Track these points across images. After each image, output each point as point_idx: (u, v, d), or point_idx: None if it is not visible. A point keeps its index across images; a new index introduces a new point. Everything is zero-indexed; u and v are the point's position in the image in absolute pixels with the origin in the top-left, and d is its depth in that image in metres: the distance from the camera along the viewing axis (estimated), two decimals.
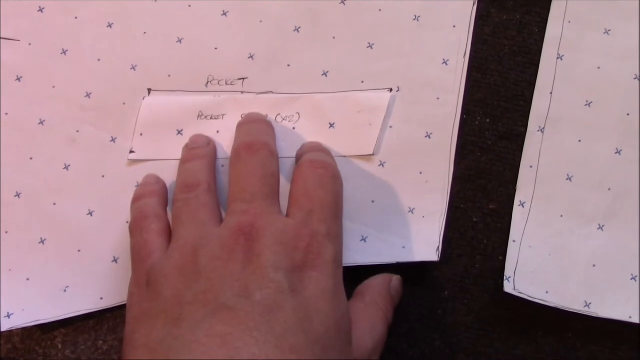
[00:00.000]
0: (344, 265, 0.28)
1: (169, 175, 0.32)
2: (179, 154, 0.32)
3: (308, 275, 0.26)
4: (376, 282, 0.30)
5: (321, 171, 0.29)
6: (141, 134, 0.33)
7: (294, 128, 0.33)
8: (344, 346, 0.26)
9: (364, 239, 0.31)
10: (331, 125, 0.33)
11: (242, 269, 0.25)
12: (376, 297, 0.29)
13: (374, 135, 0.32)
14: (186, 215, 0.28)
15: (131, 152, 0.33)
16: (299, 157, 0.31)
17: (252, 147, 0.29)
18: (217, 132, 0.33)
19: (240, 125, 0.32)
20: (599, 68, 0.32)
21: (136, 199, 0.31)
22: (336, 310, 0.25)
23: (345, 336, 0.26)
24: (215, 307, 0.24)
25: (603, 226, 0.31)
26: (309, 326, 0.24)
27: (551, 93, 0.32)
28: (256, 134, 0.31)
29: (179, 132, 0.33)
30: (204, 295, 0.24)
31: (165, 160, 0.33)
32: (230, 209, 0.28)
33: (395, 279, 0.31)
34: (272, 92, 0.33)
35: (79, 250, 0.32)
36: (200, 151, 0.31)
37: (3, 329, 0.31)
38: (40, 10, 0.35)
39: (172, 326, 0.24)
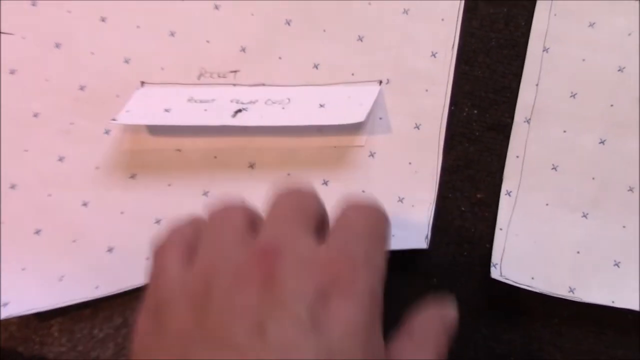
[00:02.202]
0: None
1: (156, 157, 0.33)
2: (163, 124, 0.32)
3: (336, 304, 0.21)
4: (427, 317, 0.26)
5: (365, 209, 0.25)
6: (127, 111, 0.33)
7: (283, 108, 0.33)
8: None
9: None
10: (321, 106, 0.33)
11: (258, 300, 0.21)
12: (427, 335, 0.25)
13: (366, 108, 0.32)
14: (212, 231, 0.24)
15: (112, 120, 0.33)
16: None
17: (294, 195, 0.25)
18: (205, 110, 0.33)
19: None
20: (583, 60, 0.33)
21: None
22: (367, 353, 0.21)
23: None
24: (223, 347, 0.21)
25: (587, 214, 0.32)
26: None
27: (537, 85, 0.33)
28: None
29: (167, 110, 0.33)
30: (212, 332, 0.21)
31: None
32: (259, 235, 0.24)
33: (451, 312, 0.26)
34: (264, 85, 0.34)
35: (74, 241, 0.33)
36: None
37: (0, 318, 0.32)
38: (34, 3, 0.35)
39: None
